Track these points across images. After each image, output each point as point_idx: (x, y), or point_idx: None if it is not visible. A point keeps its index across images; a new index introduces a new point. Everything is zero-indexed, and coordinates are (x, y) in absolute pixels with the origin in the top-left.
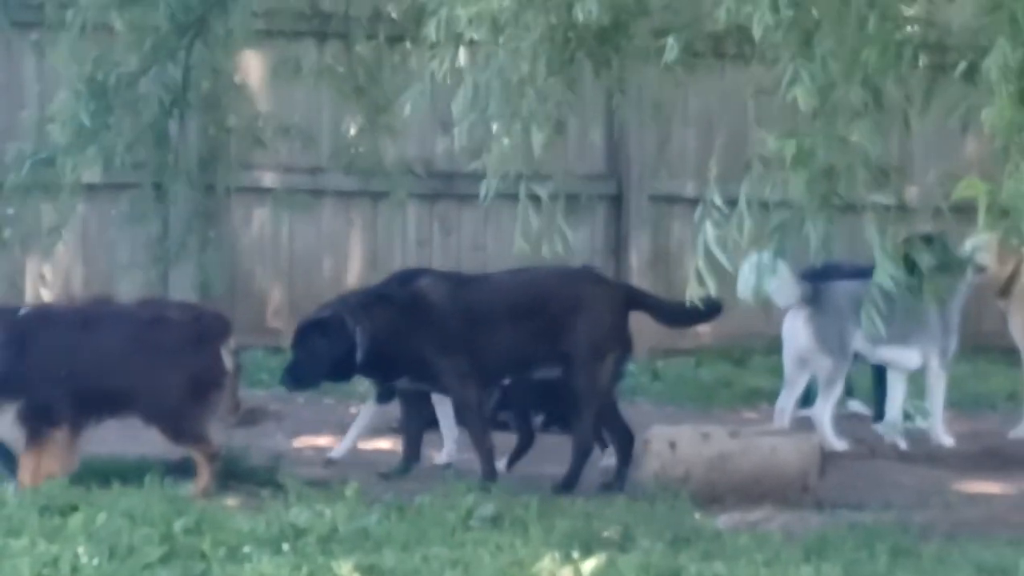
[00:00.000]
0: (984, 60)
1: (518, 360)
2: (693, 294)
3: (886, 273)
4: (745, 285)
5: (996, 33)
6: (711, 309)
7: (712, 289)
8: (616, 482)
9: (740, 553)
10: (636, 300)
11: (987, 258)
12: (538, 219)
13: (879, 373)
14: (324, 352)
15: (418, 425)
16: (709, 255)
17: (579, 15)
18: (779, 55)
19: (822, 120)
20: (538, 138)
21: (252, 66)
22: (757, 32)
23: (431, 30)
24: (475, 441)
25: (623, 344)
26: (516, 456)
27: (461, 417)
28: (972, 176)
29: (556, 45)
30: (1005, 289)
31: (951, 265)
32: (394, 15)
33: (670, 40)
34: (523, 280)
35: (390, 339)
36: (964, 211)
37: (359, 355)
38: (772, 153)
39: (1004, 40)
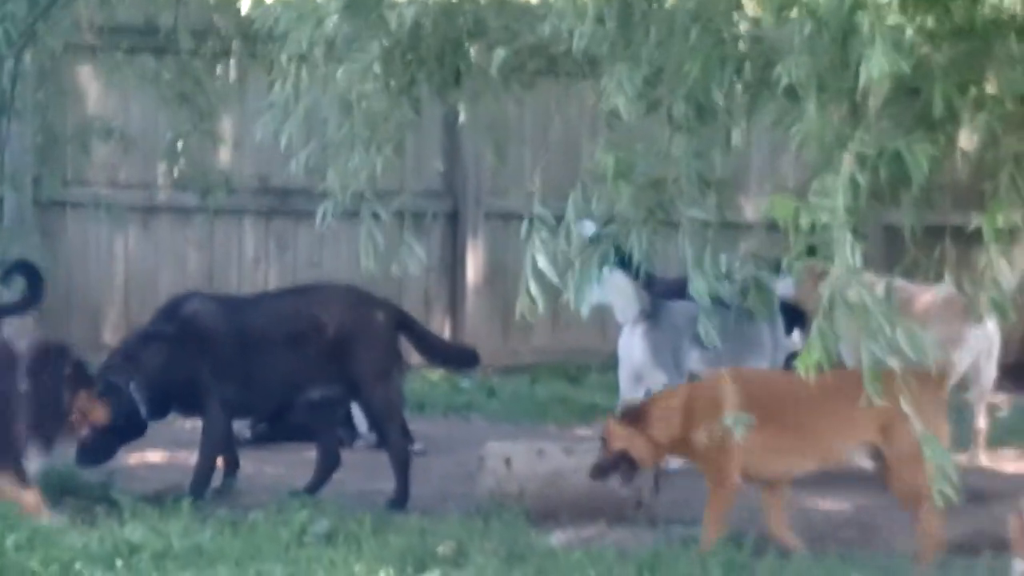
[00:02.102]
0: (777, 67)
1: (296, 381)
2: (524, 310)
3: (699, 289)
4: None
5: (795, 42)
6: (467, 358)
7: (541, 307)
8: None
9: (574, 570)
10: (405, 324)
11: (794, 291)
12: (382, 237)
13: None
14: (108, 426)
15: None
16: (537, 271)
17: (392, 23)
18: (604, 68)
19: (645, 132)
20: (378, 160)
21: (88, 80)
22: (579, 44)
23: (274, 51)
24: (199, 462)
25: (401, 361)
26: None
27: (206, 436)
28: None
29: (395, 67)
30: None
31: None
32: (222, 32)
33: (497, 51)
34: (295, 301)
35: (167, 379)
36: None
37: (144, 411)
38: (597, 167)
39: (803, 49)
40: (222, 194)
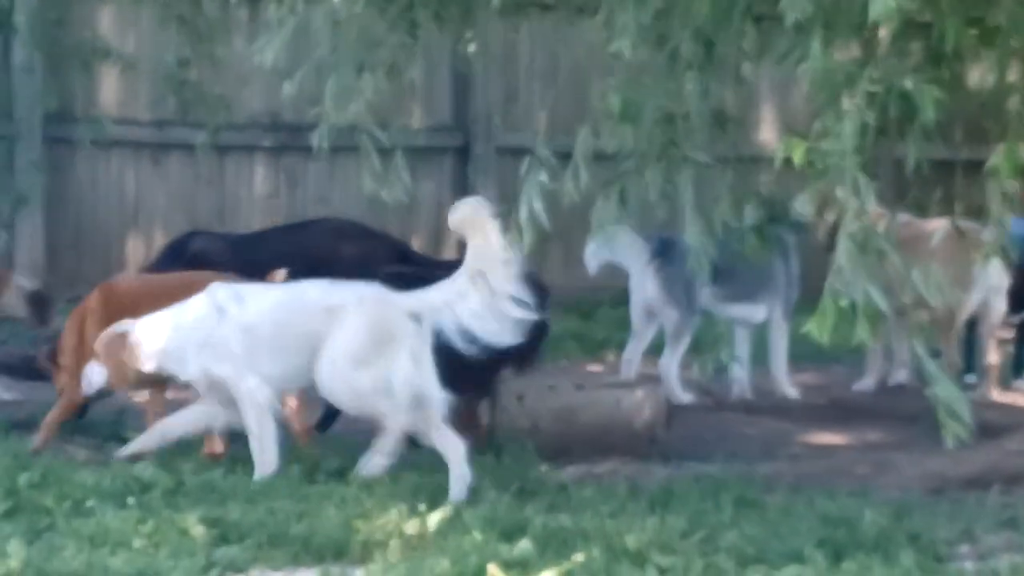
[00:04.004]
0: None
1: None
2: (512, 242)
3: (695, 232)
4: (592, 258)
5: None
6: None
7: (528, 243)
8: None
9: (586, 505)
10: (406, 256)
11: (809, 211)
12: (381, 166)
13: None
14: None
15: None
16: (532, 212)
17: None
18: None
19: (655, 71)
20: (369, 82)
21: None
22: None
23: None
24: None
25: None
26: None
27: None
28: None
29: None
30: (830, 244)
31: (784, 220)
32: None
33: None
34: (299, 236)
35: None
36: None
37: None
38: (605, 107)
39: None
40: (224, 117)
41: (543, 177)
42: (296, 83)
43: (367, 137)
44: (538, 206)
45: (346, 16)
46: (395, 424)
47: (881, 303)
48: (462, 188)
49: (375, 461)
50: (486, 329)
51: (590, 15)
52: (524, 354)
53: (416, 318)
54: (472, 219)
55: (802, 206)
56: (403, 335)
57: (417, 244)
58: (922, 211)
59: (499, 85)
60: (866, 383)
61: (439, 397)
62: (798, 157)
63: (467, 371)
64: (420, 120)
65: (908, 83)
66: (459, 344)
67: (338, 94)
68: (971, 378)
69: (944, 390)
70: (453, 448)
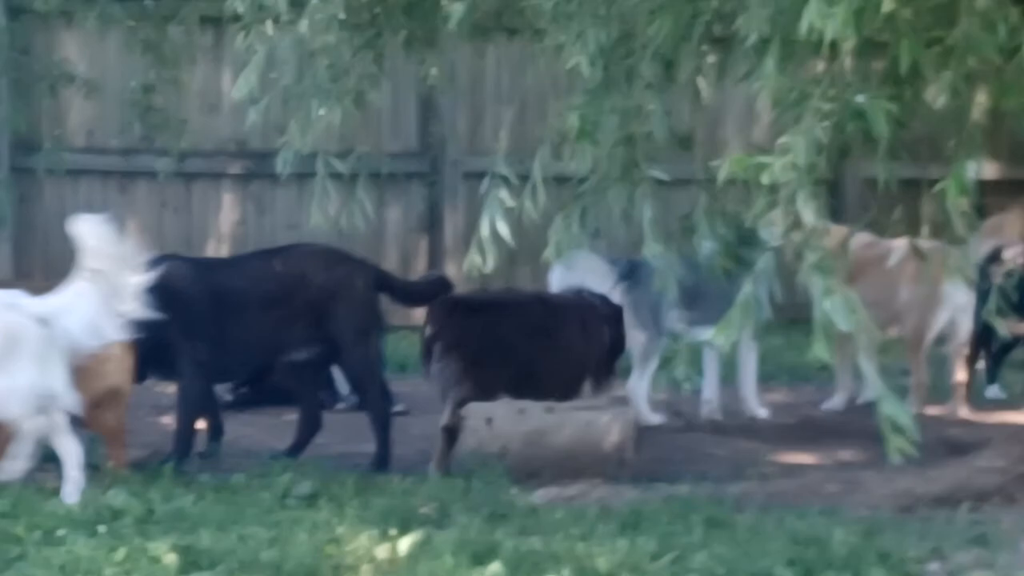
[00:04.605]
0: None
1: (274, 343)
2: (471, 264)
3: (652, 250)
4: (558, 282)
5: None
6: (442, 286)
7: (490, 263)
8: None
9: (556, 527)
10: (383, 282)
11: (775, 233)
12: (338, 194)
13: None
14: None
15: (212, 401)
16: (493, 230)
17: None
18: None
19: (614, 91)
20: (336, 111)
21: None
22: (547, 1)
23: (237, 4)
24: (178, 427)
25: (380, 321)
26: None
27: (181, 400)
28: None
29: (362, 19)
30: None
31: (751, 241)
32: None
33: (455, 5)
34: (273, 261)
35: (140, 343)
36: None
37: None
38: (563, 126)
39: (765, 3)
40: (189, 144)
41: (503, 195)
42: (262, 111)
43: (324, 165)
44: (500, 224)
45: (314, 45)
46: (29, 428)
47: (843, 323)
48: (430, 213)
49: (11, 466)
50: (108, 324)
51: (548, 36)
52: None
53: (43, 322)
54: (89, 229)
55: (767, 228)
56: (28, 340)
57: (386, 268)
58: (884, 230)
59: (465, 110)
60: (835, 402)
61: (66, 400)
62: (742, 172)
63: None
64: (387, 146)
65: (860, 100)
66: (86, 341)
67: (304, 122)
68: (993, 390)
69: (889, 406)
70: (70, 453)
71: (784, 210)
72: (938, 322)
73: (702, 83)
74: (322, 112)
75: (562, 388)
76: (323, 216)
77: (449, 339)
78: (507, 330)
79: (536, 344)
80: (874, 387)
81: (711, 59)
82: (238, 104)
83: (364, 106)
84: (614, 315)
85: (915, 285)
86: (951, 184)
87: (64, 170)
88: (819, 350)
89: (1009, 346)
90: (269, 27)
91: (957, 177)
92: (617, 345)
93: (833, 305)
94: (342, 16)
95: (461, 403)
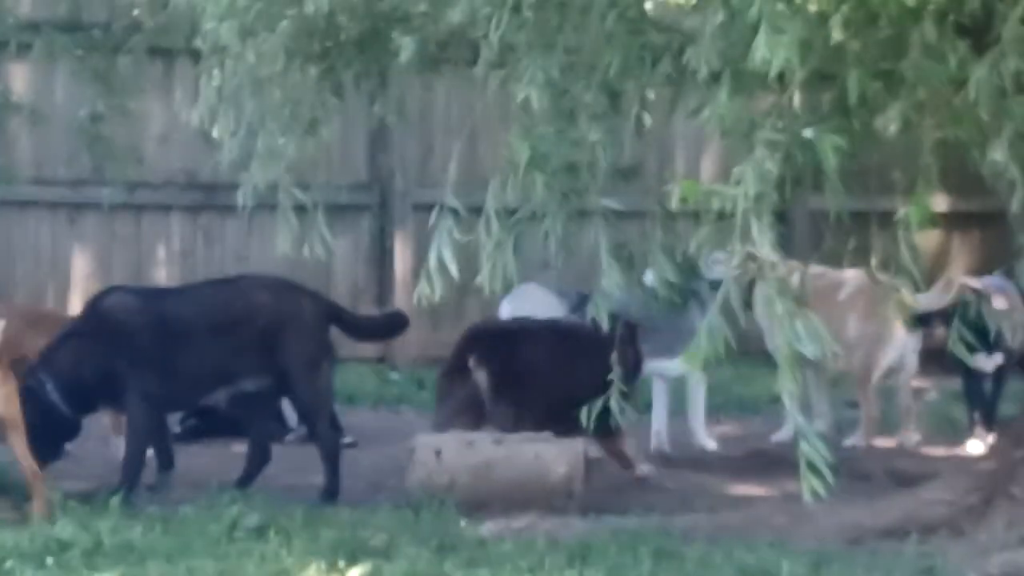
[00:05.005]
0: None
1: (221, 374)
2: (421, 294)
3: (611, 280)
4: (506, 315)
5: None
6: (398, 323)
7: (438, 293)
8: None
9: (505, 560)
10: (334, 314)
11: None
12: (299, 225)
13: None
14: (36, 427)
15: (164, 433)
16: (440, 262)
17: (310, 7)
18: (521, 56)
19: (558, 121)
20: (291, 140)
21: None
22: (495, 33)
23: (200, 42)
24: (126, 458)
25: (331, 353)
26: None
27: (130, 431)
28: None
29: (313, 52)
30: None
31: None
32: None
33: (405, 40)
34: (222, 291)
35: (85, 375)
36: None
37: (65, 410)
38: (512, 155)
39: (716, 36)
40: (137, 174)
41: (452, 226)
42: (232, 151)
43: (286, 198)
44: (448, 256)
45: (267, 76)
46: None
47: (808, 349)
48: (379, 245)
49: None
50: None
51: (499, 67)
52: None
53: None
54: None
55: (712, 263)
56: None
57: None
58: (836, 262)
59: (414, 142)
60: (784, 433)
61: None
62: (692, 198)
63: None
64: (336, 178)
65: (808, 132)
66: None
67: (264, 155)
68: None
69: (808, 444)
70: None
71: (740, 240)
72: (887, 358)
73: (647, 117)
74: (281, 142)
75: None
76: (289, 245)
77: (496, 374)
78: (550, 360)
79: (575, 372)
80: (796, 424)
81: (657, 93)
82: (188, 136)
83: (318, 136)
84: (631, 336)
85: (865, 320)
86: (913, 214)
87: (11, 201)
88: (785, 381)
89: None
90: (223, 60)
91: (919, 207)
92: (637, 367)
93: (798, 329)
94: (290, 45)
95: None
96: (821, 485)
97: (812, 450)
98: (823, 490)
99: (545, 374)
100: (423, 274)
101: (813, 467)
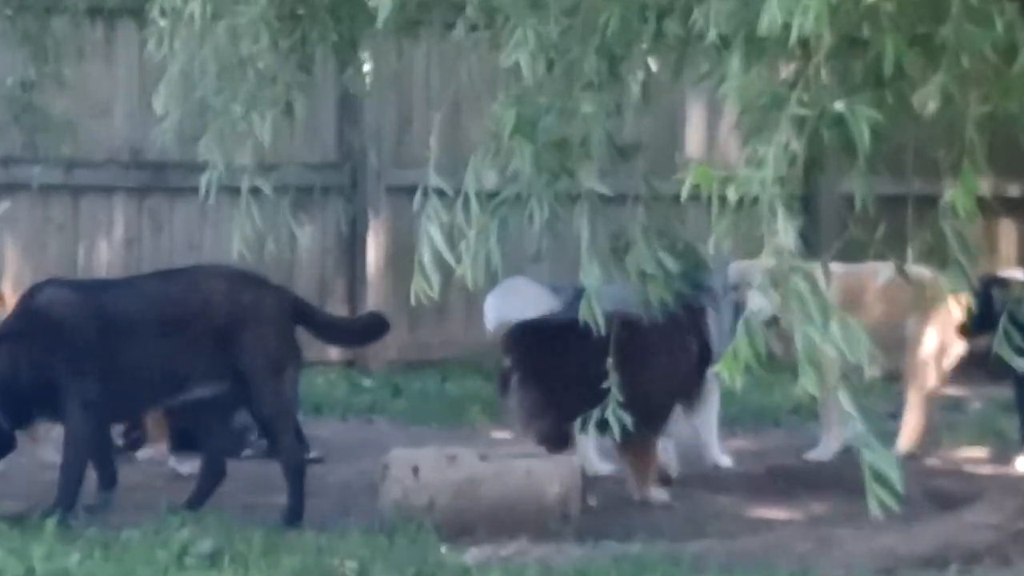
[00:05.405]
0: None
1: (172, 379)
2: (418, 291)
3: (592, 272)
4: (492, 317)
5: None
6: (377, 328)
7: (435, 287)
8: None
9: None
10: (300, 311)
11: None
12: (260, 215)
13: None
14: None
15: (106, 447)
16: (433, 249)
17: None
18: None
19: (550, 88)
20: (265, 124)
21: None
22: None
23: (151, 8)
24: (63, 475)
25: (297, 355)
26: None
27: (67, 445)
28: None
29: (283, 22)
30: None
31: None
32: None
33: (383, 2)
34: (172, 285)
35: (19, 382)
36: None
37: (3, 422)
38: (497, 123)
39: None
40: (73, 150)
41: (442, 211)
42: (174, 126)
43: (248, 185)
44: (441, 244)
45: (238, 52)
46: None
47: (850, 352)
48: (350, 233)
49: None
50: None
51: (487, 31)
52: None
53: None
54: None
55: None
56: None
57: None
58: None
59: (391, 116)
60: (822, 451)
61: None
62: (707, 185)
63: None
64: (301, 156)
65: (841, 106)
66: None
67: (223, 136)
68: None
69: (874, 453)
70: None
71: (767, 230)
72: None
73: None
74: (247, 124)
75: (651, 412)
76: (245, 243)
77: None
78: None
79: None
80: (858, 432)
81: (661, 60)
82: (132, 108)
83: (293, 116)
84: (695, 319)
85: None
86: (958, 198)
87: None
88: (807, 383)
89: None
90: (185, 32)
91: (965, 189)
92: (705, 354)
93: (836, 332)
94: (269, 19)
95: (543, 438)
96: (891, 498)
97: (879, 459)
98: (894, 503)
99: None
100: (416, 268)
101: (880, 478)
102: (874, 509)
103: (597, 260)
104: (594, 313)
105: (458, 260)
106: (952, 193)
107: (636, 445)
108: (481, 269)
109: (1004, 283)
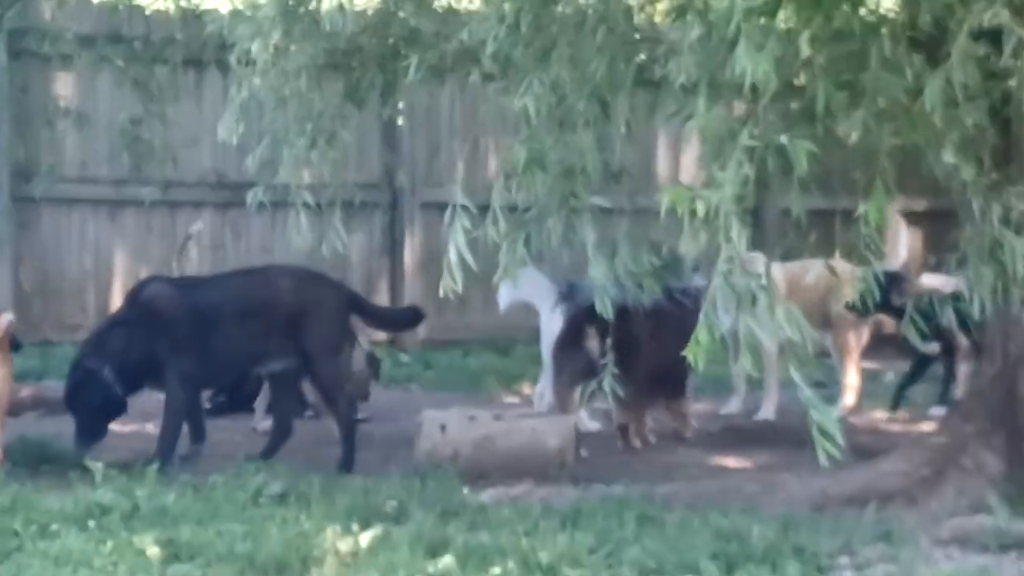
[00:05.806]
0: (669, 64)
1: (249, 356)
2: (446, 288)
3: (599, 273)
4: (504, 298)
5: (687, 43)
6: (413, 317)
7: (459, 286)
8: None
9: (503, 523)
10: (354, 302)
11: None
12: (312, 223)
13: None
14: (94, 408)
15: (197, 409)
16: (459, 256)
17: (326, 26)
18: (518, 69)
19: (554, 128)
20: (313, 152)
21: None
22: (490, 48)
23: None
24: (163, 431)
25: (350, 337)
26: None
27: (168, 407)
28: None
29: (338, 70)
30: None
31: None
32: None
33: (412, 60)
34: (251, 280)
35: (133, 359)
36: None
37: (120, 391)
38: (512, 159)
39: (694, 49)
40: (172, 173)
41: (466, 223)
42: (258, 159)
43: (301, 198)
44: (464, 249)
45: (289, 93)
46: None
47: (765, 337)
48: (391, 240)
49: None
50: None
51: (500, 79)
52: None
53: None
54: None
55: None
56: None
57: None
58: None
59: (422, 146)
60: (732, 406)
61: None
62: (681, 204)
63: None
64: (352, 177)
65: (783, 139)
66: None
67: (289, 163)
68: (939, 410)
69: (819, 413)
70: None
71: (723, 238)
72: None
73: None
74: (301, 149)
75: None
76: (301, 239)
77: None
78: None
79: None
80: (807, 397)
81: (639, 100)
82: (217, 139)
83: (336, 145)
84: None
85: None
86: (872, 211)
87: (59, 199)
88: (746, 363)
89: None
90: (250, 72)
91: (875, 205)
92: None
93: (780, 315)
94: (320, 62)
95: (629, 404)
96: (834, 448)
97: (823, 417)
98: (837, 453)
99: (653, 343)
100: (444, 268)
101: (825, 432)
102: (822, 458)
103: (602, 259)
104: (606, 304)
105: (479, 264)
106: (867, 207)
107: (676, 398)
108: (512, 270)
109: (900, 278)
